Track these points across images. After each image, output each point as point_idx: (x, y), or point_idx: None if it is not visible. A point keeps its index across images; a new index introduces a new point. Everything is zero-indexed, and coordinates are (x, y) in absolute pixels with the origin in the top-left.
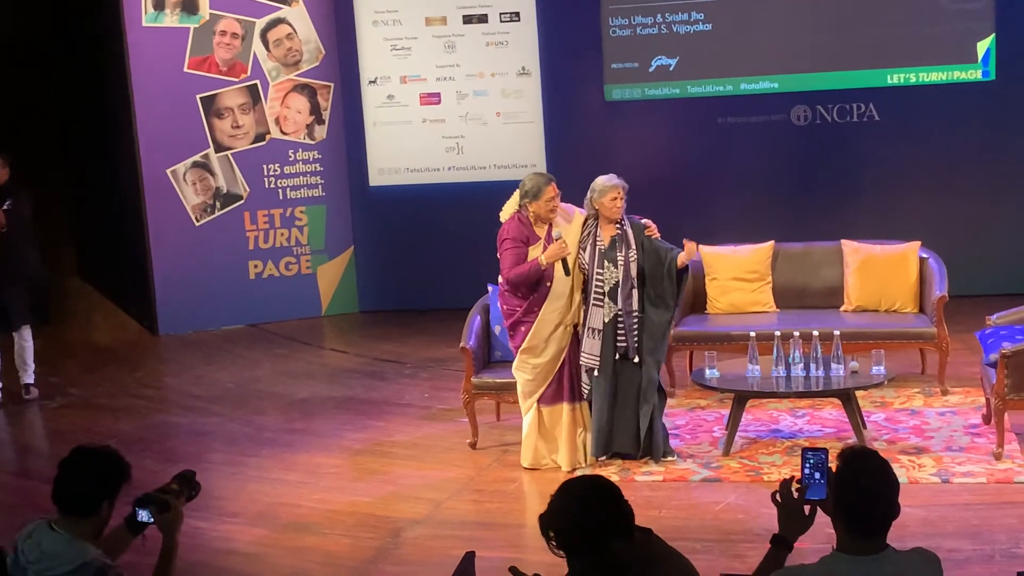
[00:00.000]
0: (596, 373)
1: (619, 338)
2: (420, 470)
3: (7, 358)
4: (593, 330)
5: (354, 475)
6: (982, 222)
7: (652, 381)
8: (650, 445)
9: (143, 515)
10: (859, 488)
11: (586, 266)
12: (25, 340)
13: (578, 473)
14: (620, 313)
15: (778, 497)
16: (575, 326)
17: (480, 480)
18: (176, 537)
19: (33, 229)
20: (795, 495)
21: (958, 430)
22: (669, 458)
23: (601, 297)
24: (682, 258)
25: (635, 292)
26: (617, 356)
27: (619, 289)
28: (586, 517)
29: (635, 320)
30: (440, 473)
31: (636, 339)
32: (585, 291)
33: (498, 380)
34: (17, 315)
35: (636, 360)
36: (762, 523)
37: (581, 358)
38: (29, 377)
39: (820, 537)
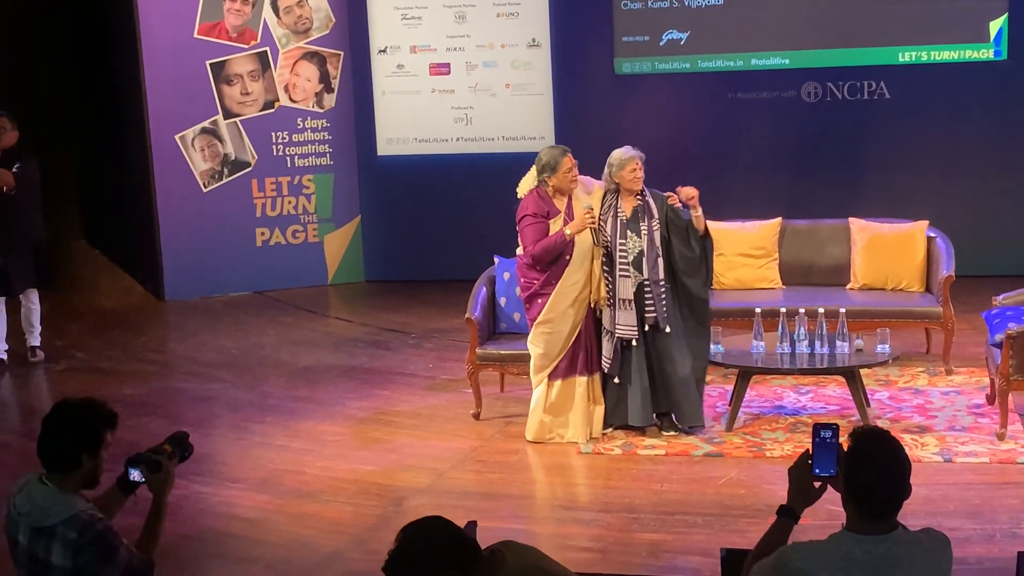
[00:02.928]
0: (634, 343)
1: (647, 308)
2: (423, 440)
3: (14, 321)
4: (625, 301)
5: (357, 443)
6: (991, 202)
7: (707, 349)
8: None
9: (135, 474)
10: (870, 468)
11: (607, 239)
12: (32, 303)
13: (582, 448)
14: (647, 282)
15: (792, 469)
16: (593, 303)
17: (483, 451)
18: (166, 498)
19: (40, 193)
20: (812, 470)
21: (962, 410)
22: (671, 433)
23: (627, 267)
24: (696, 217)
25: (660, 261)
26: (647, 327)
27: (644, 258)
28: (411, 557)
29: (662, 289)
30: (443, 443)
31: (665, 308)
32: (609, 265)
33: (502, 352)
34: (21, 279)
35: (668, 330)
36: (763, 499)
37: (616, 330)
38: (35, 339)
39: (821, 514)
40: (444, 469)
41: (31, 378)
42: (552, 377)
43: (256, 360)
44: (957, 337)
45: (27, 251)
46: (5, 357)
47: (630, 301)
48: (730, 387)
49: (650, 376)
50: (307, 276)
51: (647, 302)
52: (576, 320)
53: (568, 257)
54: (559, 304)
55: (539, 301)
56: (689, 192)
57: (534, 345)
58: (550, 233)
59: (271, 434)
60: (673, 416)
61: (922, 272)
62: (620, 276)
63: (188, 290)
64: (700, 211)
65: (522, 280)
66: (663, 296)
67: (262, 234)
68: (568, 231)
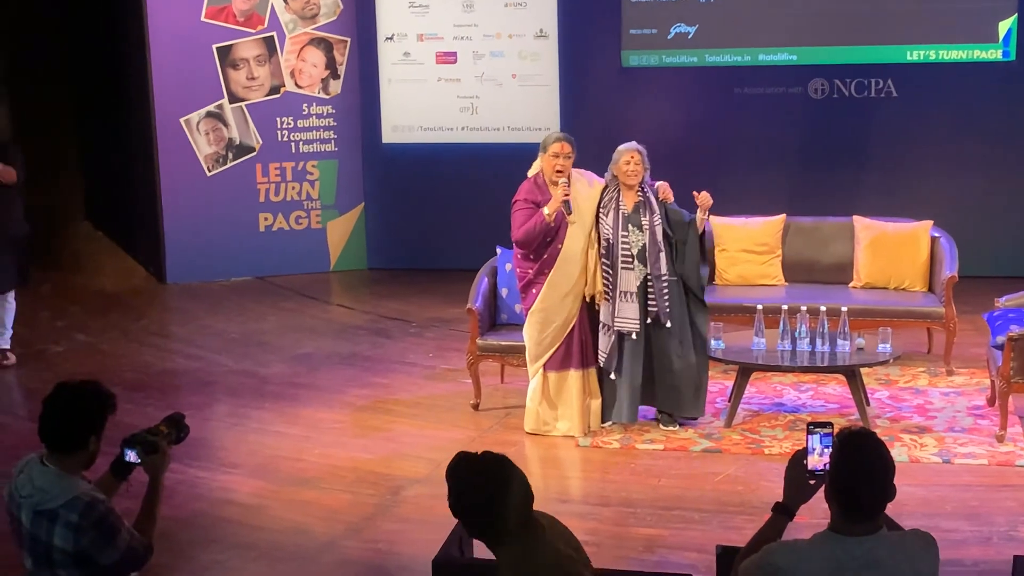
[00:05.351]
0: (634, 336)
1: (650, 302)
2: (422, 429)
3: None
4: (627, 293)
5: (356, 431)
6: (995, 203)
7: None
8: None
9: (131, 455)
10: (853, 469)
11: (608, 233)
12: (8, 302)
13: (580, 441)
14: (649, 277)
15: (788, 467)
16: (588, 296)
17: (481, 442)
18: (162, 478)
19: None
20: (807, 468)
21: (961, 411)
22: (671, 427)
23: (630, 259)
24: (700, 219)
25: (663, 256)
26: (648, 320)
27: (647, 252)
28: (475, 493)
29: (665, 284)
30: (442, 433)
31: (667, 303)
32: (609, 258)
33: (503, 343)
34: (7, 278)
35: (668, 324)
36: (761, 496)
37: (616, 322)
38: (5, 342)
39: (817, 513)
40: (442, 459)
41: (31, 361)
42: (547, 368)
43: (256, 345)
44: (959, 338)
45: (12, 247)
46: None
47: (633, 294)
48: (730, 383)
49: (647, 371)
50: (309, 262)
51: (649, 296)
52: (571, 313)
53: (560, 246)
54: (552, 294)
55: (533, 291)
56: (705, 200)
57: (528, 333)
58: None
59: (269, 420)
60: (670, 413)
61: (925, 272)
62: (623, 268)
63: (190, 274)
64: (706, 215)
65: (517, 270)
66: (665, 291)
67: (265, 219)
68: (546, 210)
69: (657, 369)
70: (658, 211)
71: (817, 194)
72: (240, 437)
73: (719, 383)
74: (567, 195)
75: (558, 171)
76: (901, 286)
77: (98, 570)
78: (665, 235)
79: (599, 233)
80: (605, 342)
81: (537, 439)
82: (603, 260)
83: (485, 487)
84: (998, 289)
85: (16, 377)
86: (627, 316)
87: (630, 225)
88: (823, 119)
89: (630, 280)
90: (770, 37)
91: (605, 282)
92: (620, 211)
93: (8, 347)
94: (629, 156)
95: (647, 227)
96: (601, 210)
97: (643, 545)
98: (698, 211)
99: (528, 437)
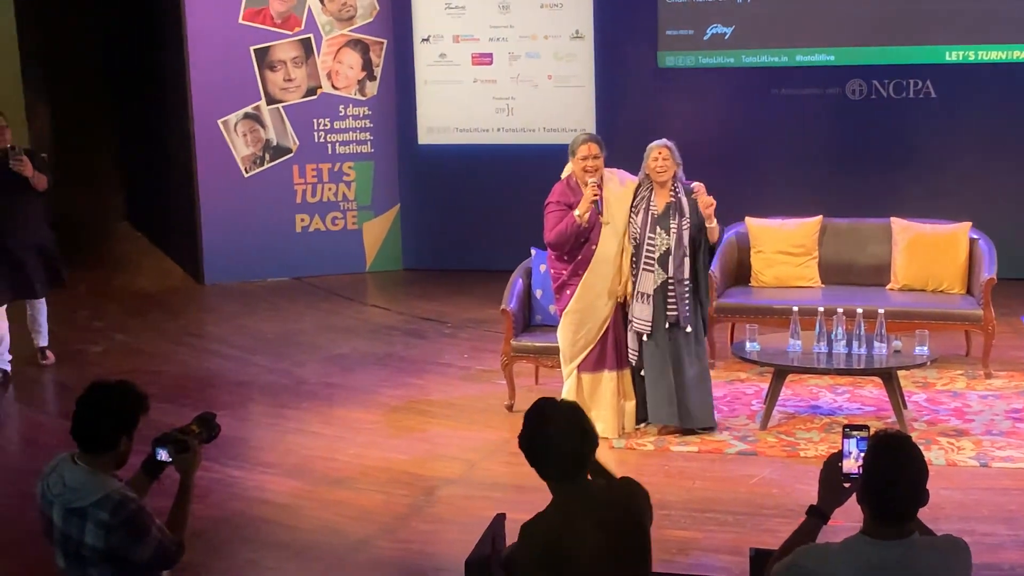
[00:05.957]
0: (646, 338)
1: (669, 306)
2: (456, 430)
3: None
4: (643, 295)
5: (390, 432)
6: None
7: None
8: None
9: (162, 454)
10: (887, 474)
11: (637, 232)
12: (40, 303)
13: (614, 443)
14: (670, 280)
15: (822, 470)
16: (619, 297)
17: (515, 443)
18: (193, 477)
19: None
20: (842, 471)
21: (1000, 414)
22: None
23: (652, 262)
24: (710, 229)
25: (687, 260)
26: (668, 324)
27: (670, 256)
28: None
29: (686, 288)
30: (476, 434)
31: (688, 308)
32: (636, 259)
33: (537, 344)
34: (43, 283)
35: (688, 329)
36: (796, 499)
37: (632, 323)
38: (43, 340)
39: (852, 516)
40: (476, 460)
41: (69, 358)
42: (581, 370)
43: (292, 345)
44: (997, 340)
45: (41, 253)
46: (9, 368)
47: (649, 296)
48: (766, 385)
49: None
50: (345, 263)
51: (670, 300)
52: (605, 314)
53: (594, 247)
54: (586, 295)
55: (567, 292)
56: (707, 201)
57: (562, 335)
58: None
59: (305, 420)
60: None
61: (963, 274)
62: (643, 270)
63: (227, 274)
64: (715, 222)
65: (551, 271)
66: (686, 295)
67: (302, 220)
68: (577, 212)
69: (674, 374)
70: (688, 214)
71: (854, 195)
72: (275, 437)
73: (754, 385)
74: (596, 195)
75: (588, 171)
76: (939, 288)
77: (129, 568)
78: (692, 239)
79: (630, 232)
80: (634, 341)
81: None
82: (632, 260)
83: (533, 424)
84: None
85: (54, 376)
86: (641, 318)
87: (658, 227)
88: (861, 120)
89: (647, 282)
90: (807, 37)
91: (633, 281)
92: (650, 212)
93: (46, 344)
94: (657, 152)
95: (675, 230)
96: (632, 209)
97: (677, 547)
98: (704, 217)
99: None
